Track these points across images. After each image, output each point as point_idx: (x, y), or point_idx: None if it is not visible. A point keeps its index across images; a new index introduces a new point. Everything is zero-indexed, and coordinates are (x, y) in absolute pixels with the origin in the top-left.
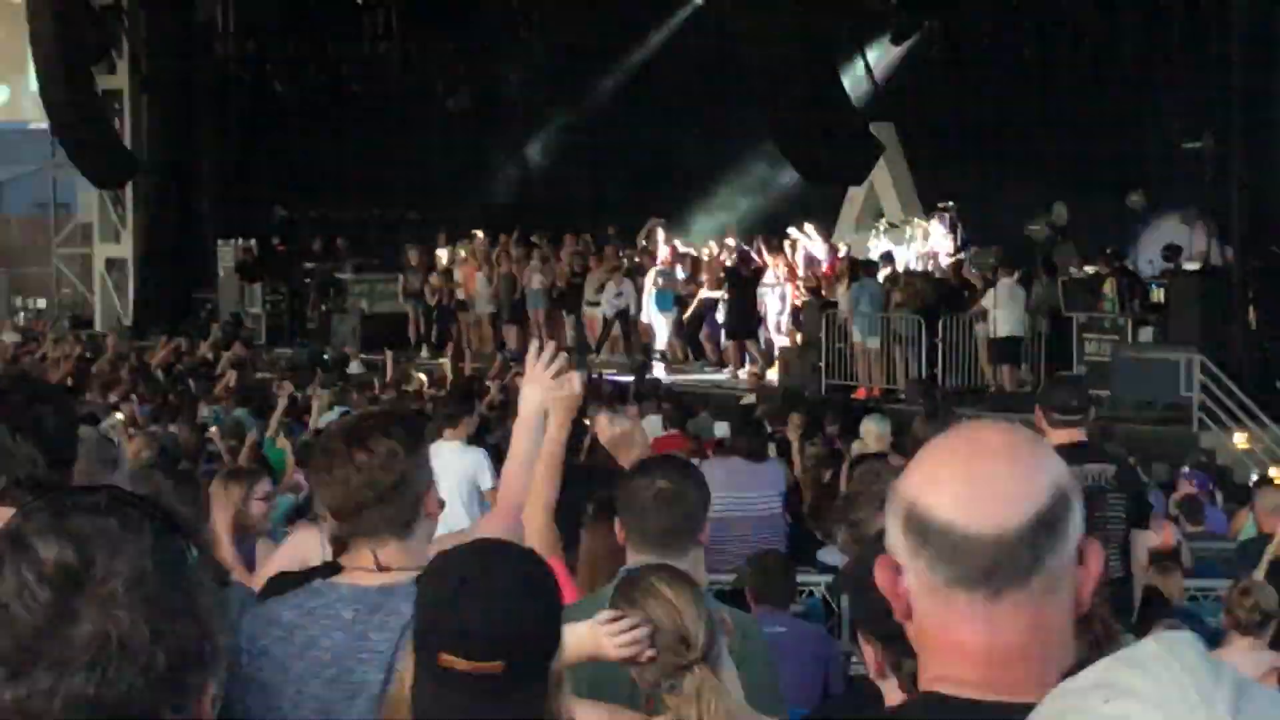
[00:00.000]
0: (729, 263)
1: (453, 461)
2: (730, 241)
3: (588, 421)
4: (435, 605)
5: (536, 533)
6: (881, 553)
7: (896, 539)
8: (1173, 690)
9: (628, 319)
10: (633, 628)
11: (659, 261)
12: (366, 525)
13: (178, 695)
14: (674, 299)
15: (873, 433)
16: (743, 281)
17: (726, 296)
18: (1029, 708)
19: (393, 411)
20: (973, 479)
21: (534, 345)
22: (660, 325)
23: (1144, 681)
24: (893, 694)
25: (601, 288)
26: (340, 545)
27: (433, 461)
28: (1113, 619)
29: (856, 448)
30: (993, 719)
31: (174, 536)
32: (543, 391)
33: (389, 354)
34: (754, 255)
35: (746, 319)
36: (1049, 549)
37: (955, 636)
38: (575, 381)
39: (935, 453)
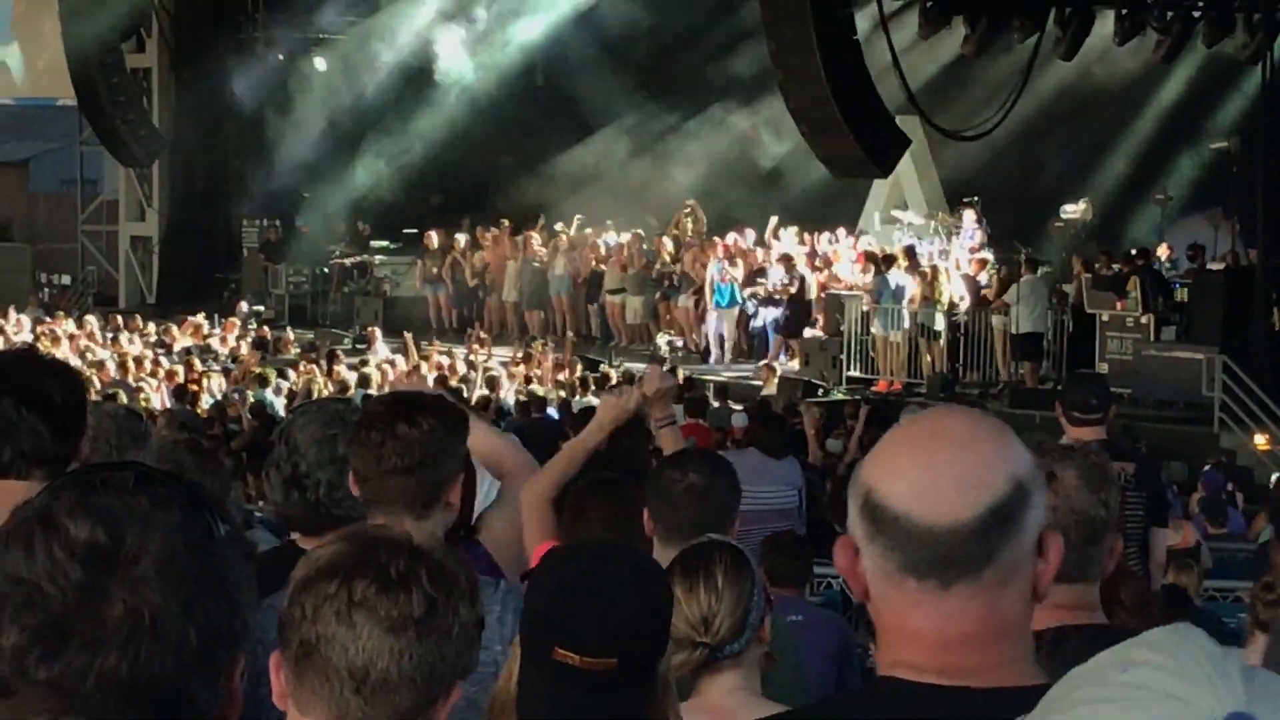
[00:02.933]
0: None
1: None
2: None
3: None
4: (551, 601)
5: (538, 514)
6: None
7: (854, 523)
8: (1189, 661)
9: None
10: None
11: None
12: (388, 494)
13: (210, 671)
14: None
15: None
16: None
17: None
18: (985, 692)
19: (443, 396)
20: (929, 469)
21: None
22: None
23: (1160, 655)
24: None
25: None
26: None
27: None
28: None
29: None
30: (949, 704)
31: (202, 513)
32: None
33: (409, 336)
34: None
35: (803, 317)
36: (1003, 542)
37: (908, 623)
38: (634, 398)
39: (896, 440)
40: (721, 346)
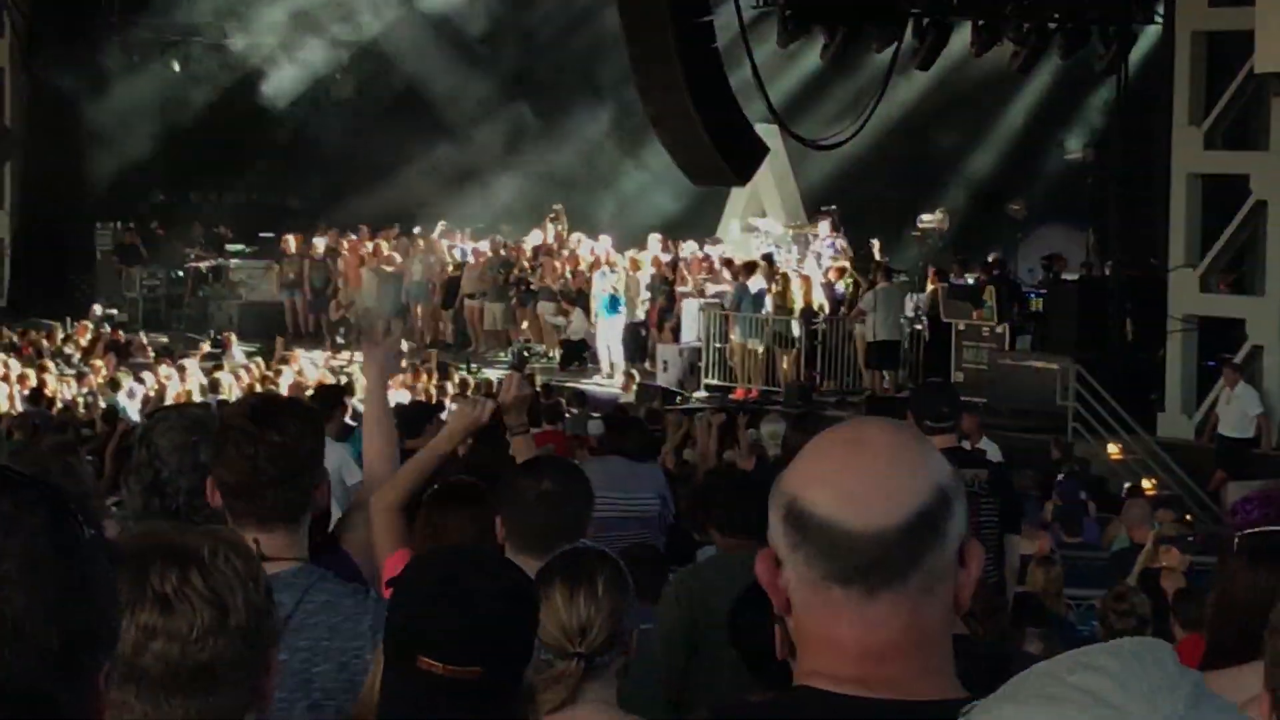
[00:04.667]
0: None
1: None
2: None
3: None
4: (414, 609)
5: (384, 520)
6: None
7: (777, 533)
8: (1139, 673)
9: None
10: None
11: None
12: (263, 506)
13: (74, 675)
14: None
15: (770, 434)
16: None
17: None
18: (903, 705)
19: (297, 397)
20: (854, 476)
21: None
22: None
23: (1114, 662)
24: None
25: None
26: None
27: None
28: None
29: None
30: (867, 716)
31: (67, 516)
32: (389, 364)
33: (280, 341)
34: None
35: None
36: (928, 549)
37: (832, 632)
38: (487, 409)
39: (819, 448)
40: (610, 361)
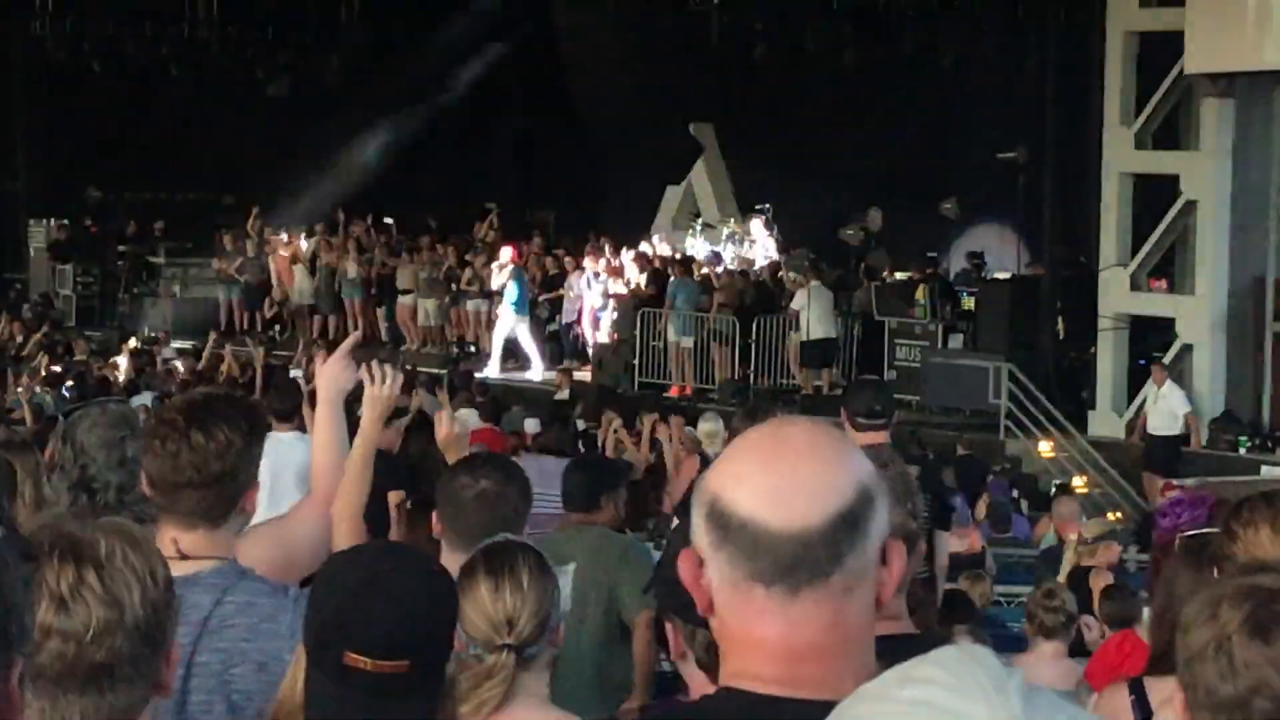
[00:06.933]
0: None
1: (293, 452)
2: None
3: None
4: (340, 605)
5: (347, 527)
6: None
7: (700, 532)
8: (970, 679)
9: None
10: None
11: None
12: (182, 506)
13: None
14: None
15: (707, 432)
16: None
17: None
18: (828, 705)
19: (240, 398)
20: (775, 476)
21: (353, 338)
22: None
23: (943, 672)
24: (691, 674)
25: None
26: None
27: (273, 452)
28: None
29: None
30: (791, 717)
31: None
32: (344, 378)
33: (213, 336)
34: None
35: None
36: (850, 548)
37: (754, 632)
38: (391, 380)
39: (741, 448)
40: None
